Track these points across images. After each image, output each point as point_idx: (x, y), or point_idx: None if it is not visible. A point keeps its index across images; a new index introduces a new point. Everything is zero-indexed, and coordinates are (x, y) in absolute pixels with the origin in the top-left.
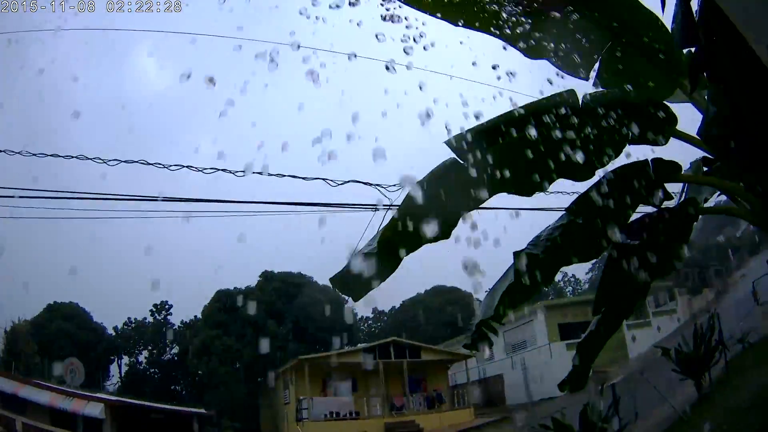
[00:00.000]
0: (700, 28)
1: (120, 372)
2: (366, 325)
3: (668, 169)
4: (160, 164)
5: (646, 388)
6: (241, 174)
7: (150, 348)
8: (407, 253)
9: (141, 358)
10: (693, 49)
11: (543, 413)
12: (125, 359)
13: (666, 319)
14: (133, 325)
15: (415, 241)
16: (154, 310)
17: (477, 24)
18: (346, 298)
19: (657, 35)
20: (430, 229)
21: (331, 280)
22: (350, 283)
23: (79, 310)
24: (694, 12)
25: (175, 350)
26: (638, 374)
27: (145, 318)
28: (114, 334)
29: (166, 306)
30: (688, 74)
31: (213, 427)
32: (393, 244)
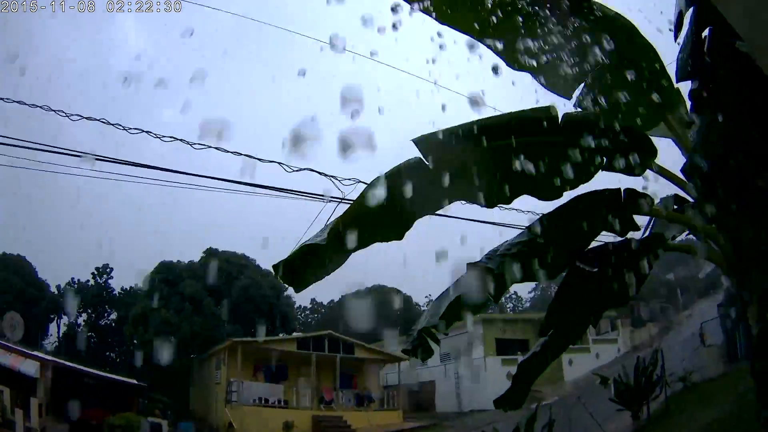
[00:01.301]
0: (706, 61)
1: (58, 332)
2: (303, 314)
3: (640, 201)
4: (119, 125)
5: (581, 414)
6: (199, 146)
7: (89, 311)
8: (356, 249)
9: (80, 320)
10: (694, 83)
11: (472, 424)
12: (65, 320)
13: (606, 347)
14: (76, 285)
15: (367, 237)
16: (96, 273)
17: (460, 23)
18: (286, 286)
19: (649, 65)
20: (384, 227)
21: (274, 267)
22: (293, 272)
23: (26, 263)
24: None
25: (113, 316)
26: (574, 399)
27: (87, 281)
28: (56, 292)
29: (108, 270)
30: (682, 107)
31: (143, 399)
32: (343, 237)
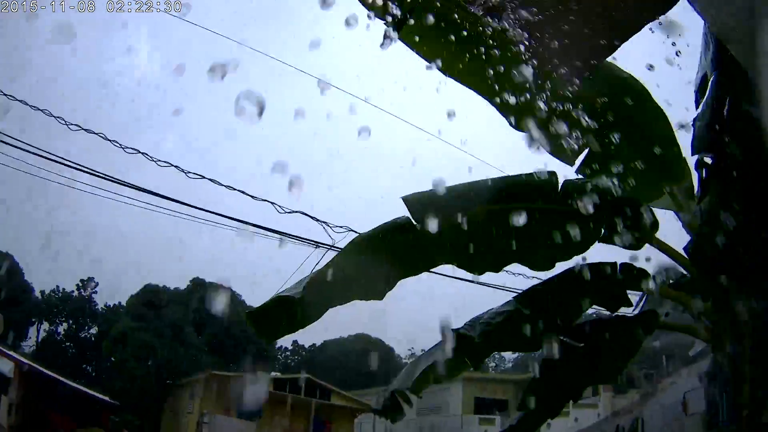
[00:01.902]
0: (724, 135)
1: (38, 337)
2: (283, 355)
3: (636, 277)
4: (117, 143)
5: None
6: (194, 176)
7: (70, 322)
8: (333, 306)
9: (60, 329)
10: (707, 155)
11: None
12: (45, 325)
13: (586, 412)
14: (60, 294)
15: (346, 295)
16: (80, 285)
17: (469, 82)
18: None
19: (659, 132)
20: (365, 285)
21: (247, 314)
22: (265, 322)
23: (14, 263)
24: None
25: (94, 331)
26: None
27: (72, 291)
28: (40, 297)
29: (93, 283)
30: (688, 179)
31: (114, 417)
32: (321, 293)
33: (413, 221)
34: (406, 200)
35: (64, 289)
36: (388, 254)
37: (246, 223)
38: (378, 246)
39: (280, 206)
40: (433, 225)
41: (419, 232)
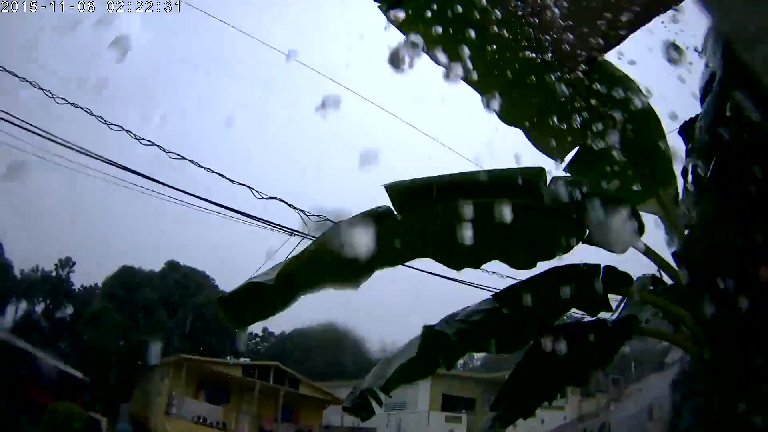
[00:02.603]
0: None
1: (15, 314)
2: (253, 341)
3: (619, 281)
4: (102, 119)
5: None
6: (175, 156)
7: (47, 301)
8: (306, 293)
9: (38, 308)
10: (704, 162)
11: None
12: (23, 304)
13: (552, 414)
14: (39, 273)
15: (319, 283)
16: (59, 264)
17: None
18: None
19: (649, 135)
20: (340, 274)
21: (218, 299)
22: (235, 308)
23: None
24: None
25: (70, 311)
26: None
27: (50, 270)
28: (18, 276)
29: (71, 263)
30: (674, 183)
31: (86, 394)
32: (293, 280)
33: (394, 211)
34: (388, 188)
35: (43, 268)
36: (365, 244)
37: (223, 207)
38: (355, 234)
39: (258, 191)
40: (412, 215)
41: (399, 222)
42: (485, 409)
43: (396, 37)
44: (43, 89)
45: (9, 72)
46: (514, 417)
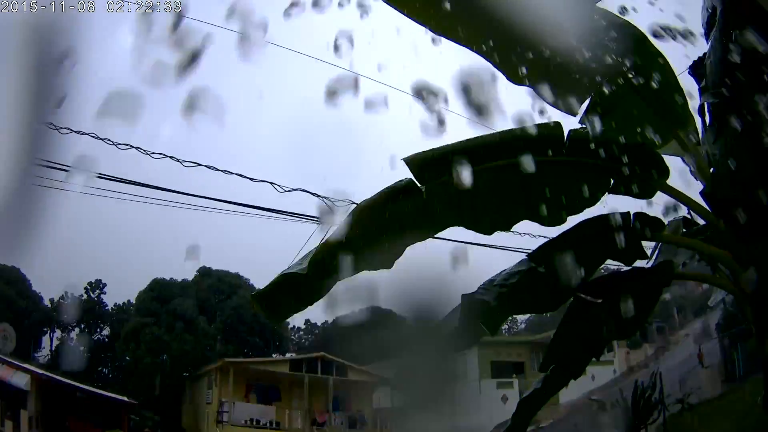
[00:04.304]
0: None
1: (51, 346)
2: (297, 335)
3: (650, 227)
4: (109, 140)
5: None
6: (190, 164)
7: (82, 326)
8: (340, 279)
9: (73, 335)
10: (718, 97)
11: None
12: (57, 333)
13: (602, 369)
14: (69, 300)
15: (352, 266)
16: (89, 287)
17: (457, 36)
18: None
19: (661, 77)
20: (371, 256)
21: (253, 296)
22: (272, 303)
23: (20, 275)
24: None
25: (106, 332)
26: (570, 423)
27: (81, 295)
28: (49, 305)
29: (101, 285)
30: (693, 123)
31: (134, 416)
32: (326, 266)
33: (417, 183)
34: (408, 161)
35: (72, 293)
36: (392, 220)
37: (247, 206)
38: (381, 212)
39: (279, 185)
40: (436, 186)
41: (423, 194)
42: (535, 371)
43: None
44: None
45: None
46: (564, 377)
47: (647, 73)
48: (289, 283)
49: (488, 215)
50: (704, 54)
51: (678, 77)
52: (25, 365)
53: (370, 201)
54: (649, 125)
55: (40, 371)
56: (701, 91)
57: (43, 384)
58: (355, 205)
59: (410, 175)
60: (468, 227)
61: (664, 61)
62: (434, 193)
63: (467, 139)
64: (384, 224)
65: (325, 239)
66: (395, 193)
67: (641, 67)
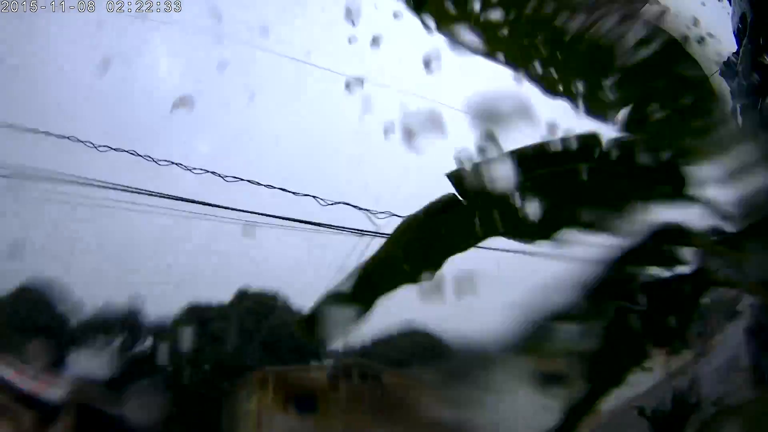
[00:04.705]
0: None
1: (88, 359)
2: (337, 354)
3: (687, 234)
4: (149, 157)
5: None
6: (231, 179)
7: (121, 340)
8: (385, 295)
9: (111, 348)
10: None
11: None
12: (95, 347)
13: (642, 377)
14: (110, 314)
15: (396, 281)
16: (128, 302)
17: (488, 49)
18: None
19: (694, 80)
20: (413, 268)
21: (298, 322)
22: (318, 327)
23: (58, 287)
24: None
25: (147, 344)
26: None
27: (120, 309)
28: (87, 320)
29: (140, 300)
30: (729, 128)
31: (174, 430)
32: (370, 283)
33: (458, 197)
34: (450, 176)
35: (112, 307)
36: (434, 234)
37: (288, 219)
38: (423, 227)
39: (322, 199)
40: (478, 198)
41: (465, 206)
42: (577, 381)
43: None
44: (83, 141)
45: (45, 133)
46: (606, 387)
47: (683, 79)
48: (334, 304)
49: (529, 225)
50: (734, 54)
51: (709, 79)
52: (60, 379)
53: (413, 216)
54: (684, 132)
55: (76, 385)
56: (732, 95)
57: (79, 397)
58: (393, 217)
59: (452, 189)
60: (509, 237)
61: (698, 66)
62: (475, 205)
63: (506, 152)
64: (426, 239)
65: (369, 257)
66: (437, 208)
67: (675, 70)
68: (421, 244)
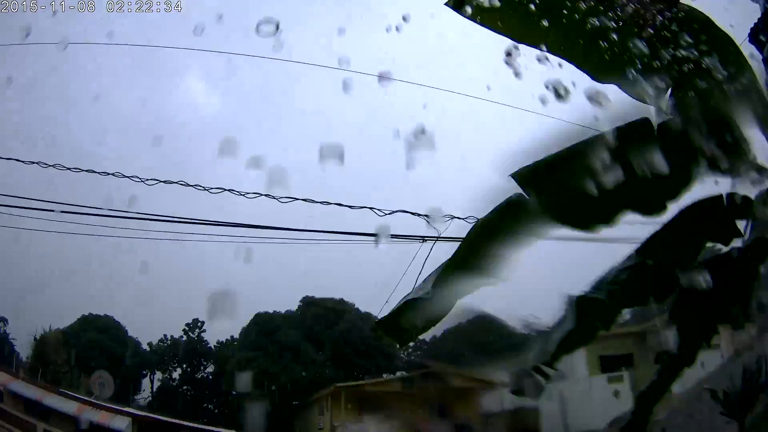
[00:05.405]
0: None
1: (152, 387)
2: (406, 352)
3: (742, 205)
4: (200, 186)
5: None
6: (287, 200)
7: (184, 366)
8: (461, 297)
9: (175, 375)
10: None
11: None
12: (158, 375)
13: (709, 355)
14: (169, 342)
15: (472, 284)
16: (187, 328)
17: (537, 41)
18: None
19: (732, 59)
20: (488, 269)
21: (376, 323)
22: (396, 328)
23: (114, 323)
24: None
25: (210, 369)
26: (684, 415)
27: (181, 336)
28: (148, 349)
29: (199, 324)
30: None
31: None
32: (449, 287)
33: (524, 195)
34: (515, 176)
35: (172, 336)
36: (506, 233)
37: (347, 233)
38: (495, 227)
39: (379, 210)
40: (543, 194)
41: (531, 204)
42: (644, 362)
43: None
44: (128, 176)
45: (89, 171)
46: (677, 367)
47: (718, 56)
48: (412, 307)
49: (592, 214)
50: (762, 17)
51: (740, 47)
52: (125, 408)
53: (484, 219)
54: (730, 105)
55: (141, 412)
56: (764, 61)
57: (145, 425)
58: (456, 220)
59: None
60: (574, 228)
61: (731, 43)
62: (541, 201)
63: (566, 147)
64: (498, 239)
65: (445, 261)
66: (506, 207)
67: (712, 50)
68: (496, 245)
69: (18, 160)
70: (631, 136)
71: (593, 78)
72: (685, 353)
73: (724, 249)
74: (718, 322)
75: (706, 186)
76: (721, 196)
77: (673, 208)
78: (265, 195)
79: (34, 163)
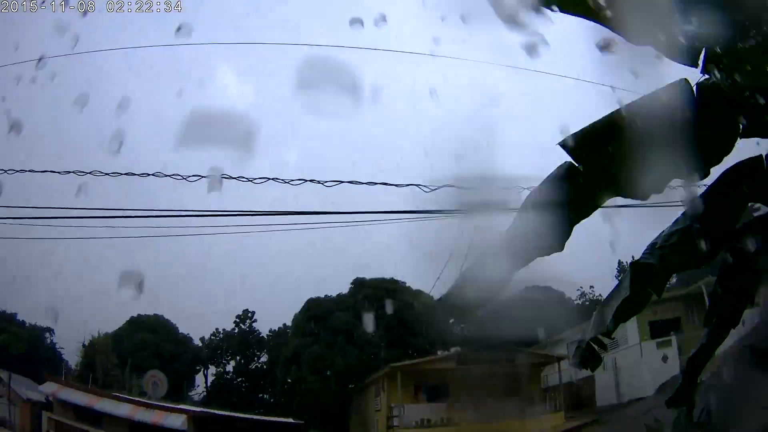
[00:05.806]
0: None
1: (206, 382)
2: (460, 327)
3: None
4: (243, 178)
5: (736, 390)
6: (332, 184)
7: (237, 358)
8: (518, 269)
9: (229, 367)
10: None
11: (633, 415)
12: (212, 369)
13: (749, 313)
14: (221, 335)
15: (528, 255)
16: (238, 320)
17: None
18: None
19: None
20: (543, 240)
21: (439, 301)
22: (459, 304)
23: (164, 322)
24: None
25: (264, 359)
26: (727, 374)
27: (233, 329)
28: (200, 344)
29: (249, 315)
30: None
31: None
32: (504, 259)
33: (575, 164)
34: (564, 144)
35: (224, 329)
36: (559, 204)
37: (396, 212)
38: (548, 198)
39: (425, 186)
40: (592, 162)
41: (582, 173)
42: (691, 325)
43: None
44: (170, 175)
45: (128, 174)
46: (724, 328)
47: (755, 13)
48: (470, 281)
49: (642, 181)
50: None
51: None
52: (180, 405)
53: (537, 190)
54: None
55: (196, 408)
56: None
57: (201, 421)
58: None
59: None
60: (626, 197)
61: None
62: (591, 170)
63: (610, 114)
64: (552, 210)
65: (500, 234)
66: (557, 177)
67: (748, 6)
68: (549, 217)
69: (53, 172)
70: (669, 98)
71: (629, 40)
72: (731, 314)
73: (765, 209)
74: (761, 280)
75: (748, 146)
76: (761, 156)
77: (715, 171)
78: (309, 180)
79: (69, 172)
